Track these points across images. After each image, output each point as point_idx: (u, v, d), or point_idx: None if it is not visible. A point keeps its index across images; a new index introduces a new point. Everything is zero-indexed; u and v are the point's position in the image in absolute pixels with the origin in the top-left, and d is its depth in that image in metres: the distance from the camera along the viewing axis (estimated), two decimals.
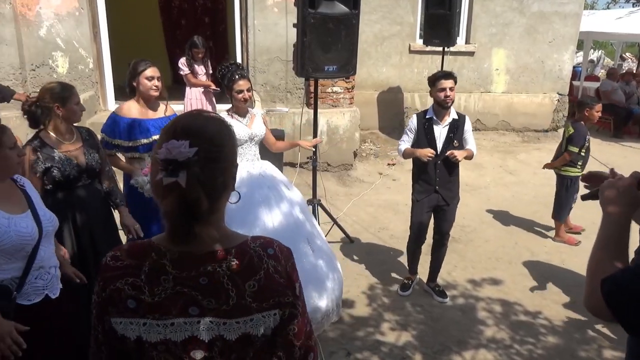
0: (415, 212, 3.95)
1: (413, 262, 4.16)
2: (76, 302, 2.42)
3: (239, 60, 7.15)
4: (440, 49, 7.43)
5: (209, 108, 6.09)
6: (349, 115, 7.00)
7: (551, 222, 5.25)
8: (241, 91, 3.41)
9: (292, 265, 1.22)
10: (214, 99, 6.20)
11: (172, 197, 1.06)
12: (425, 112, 3.87)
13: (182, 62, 6.00)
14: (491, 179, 7.02)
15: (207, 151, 1.09)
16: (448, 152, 3.69)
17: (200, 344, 1.14)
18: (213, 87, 6.05)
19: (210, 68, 6.23)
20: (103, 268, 1.17)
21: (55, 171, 2.76)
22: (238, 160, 3.45)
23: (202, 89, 6.05)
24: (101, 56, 6.70)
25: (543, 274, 4.48)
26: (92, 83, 6.56)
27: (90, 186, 2.94)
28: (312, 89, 5.85)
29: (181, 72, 6.03)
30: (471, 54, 8.62)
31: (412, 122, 3.87)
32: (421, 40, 8.02)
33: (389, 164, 7.41)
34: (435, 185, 3.83)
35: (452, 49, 7.56)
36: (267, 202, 3.41)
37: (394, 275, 4.39)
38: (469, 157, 3.79)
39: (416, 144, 3.84)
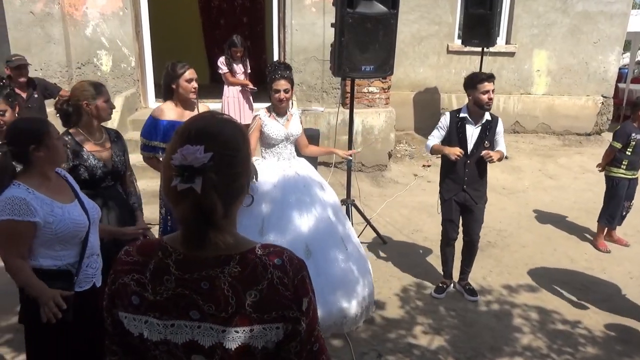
0: (444, 210, 3.97)
1: (446, 264, 4.13)
2: None
3: (275, 59, 7.22)
4: (480, 49, 7.30)
5: (246, 107, 6.16)
6: (384, 115, 6.96)
7: (593, 228, 5.09)
8: (278, 91, 3.41)
9: (302, 279, 1.14)
10: (251, 98, 6.27)
11: (187, 204, 1.04)
12: (458, 110, 3.84)
13: (221, 61, 6.08)
14: (530, 183, 6.84)
15: (222, 156, 1.06)
16: (484, 153, 3.68)
17: (201, 349, 1.10)
18: (250, 86, 6.12)
19: (249, 67, 6.30)
20: (116, 261, 1.17)
21: (82, 169, 2.78)
22: (274, 160, 3.43)
23: (240, 88, 6.12)
24: (143, 55, 6.88)
25: (583, 282, 4.34)
26: (133, 81, 6.74)
27: (113, 188, 2.96)
28: (348, 88, 5.85)
29: (220, 71, 6.12)
30: (511, 54, 8.43)
31: (445, 119, 3.85)
32: (460, 41, 7.90)
33: (424, 166, 7.33)
34: (463, 185, 3.81)
35: (491, 49, 7.43)
36: (300, 206, 3.40)
37: (427, 278, 4.34)
38: (500, 157, 3.78)
39: (447, 141, 3.83)
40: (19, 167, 2.18)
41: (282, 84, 3.40)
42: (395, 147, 7.52)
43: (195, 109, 3.46)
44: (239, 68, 6.13)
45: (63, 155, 2.29)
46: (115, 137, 3.01)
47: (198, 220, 1.05)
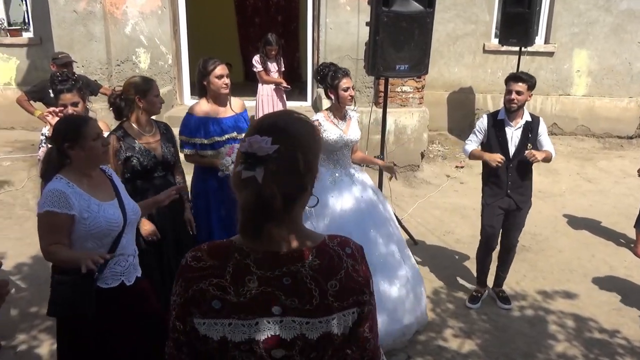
0: (485, 216, 3.83)
1: (482, 272, 3.99)
2: (152, 293, 2.53)
3: (309, 58, 7.25)
4: (517, 48, 7.14)
5: (280, 105, 6.20)
6: (417, 115, 6.89)
7: (633, 235, 4.91)
8: (346, 89, 3.29)
9: (366, 263, 1.23)
10: (284, 96, 6.31)
11: (248, 192, 1.07)
12: (497, 112, 3.75)
13: (255, 59, 6.13)
14: (567, 187, 6.65)
15: (288, 151, 1.08)
16: (527, 152, 3.55)
17: (282, 342, 1.13)
18: (284, 84, 6.16)
19: (283, 65, 6.34)
20: (184, 269, 1.16)
21: (134, 160, 2.94)
22: (331, 167, 3.34)
23: (274, 86, 6.17)
24: (180, 53, 7.02)
25: (622, 289, 4.19)
26: (170, 78, 6.88)
27: (164, 178, 3.10)
28: (381, 87, 5.81)
29: (254, 69, 6.18)
30: (550, 54, 8.20)
31: (482, 122, 3.76)
32: (497, 40, 7.74)
33: (457, 167, 7.22)
34: (506, 189, 3.69)
35: (529, 48, 7.24)
36: (360, 222, 3.26)
37: (458, 281, 4.28)
38: (548, 159, 3.64)
39: (486, 145, 3.73)
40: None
41: (349, 82, 3.32)
42: (428, 148, 7.44)
43: (228, 105, 3.48)
44: (273, 66, 6.16)
45: (101, 157, 2.29)
46: (165, 130, 3.16)
47: (256, 210, 1.07)
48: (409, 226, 5.12)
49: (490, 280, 4.05)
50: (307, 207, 1.19)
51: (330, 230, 3.14)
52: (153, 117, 3.15)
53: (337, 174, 3.39)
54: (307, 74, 7.47)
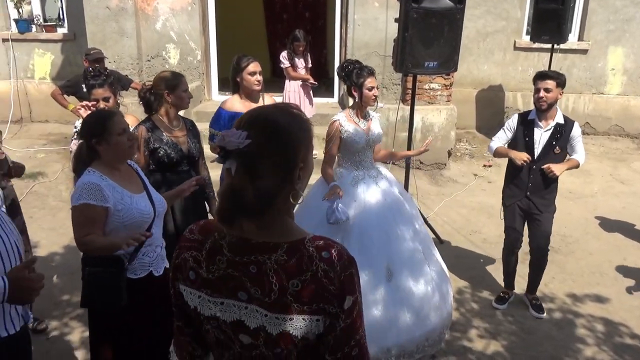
0: (506, 217, 3.80)
1: (508, 274, 3.92)
2: None
3: (336, 54, 7.23)
4: (549, 46, 6.97)
5: (307, 101, 6.21)
6: (445, 112, 6.81)
7: None
8: (372, 88, 3.22)
9: (350, 276, 1.12)
10: (311, 92, 6.31)
11: (226, 182, 1.13)
12: (528, 112, 3.68)
13: (283, 55, 6.16)
14: (599, 188, 6.48)
15: (262, 146, 1.08)
16: (545, 166, 3.48)
17: (247, 329, 1.14)
18: (311, 80, 6.17)
19: (310, 62, 6.34)
20: (181, 238, 1.25)
21: (161, 152, 3.01)
22: (353, 169, 3.26)
23: (301, 82, 6.18)
24: (208, 49, 7.09)
25: None
26: (199, 74, 6.96)
27: (188, 172, 3.15)
28: (408, 85, 5.76)
29: (282, 65, 6.20)
30: (584, 52, 7.99)
31: (512, 121, 3.71)
32: (528, 37, 7.58)
33: (485, 165, 7.11)
34: (526, 191, 3.63)
35: (562, 46, 7.06)
36: (382, 223, 3.16)
37: (484, 281, 4.22)
38: (573, 167, 3.58)
39: (512, 145, 3.67)
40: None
41: (374, 81, 3.25)
42: (455, 146, 7.35)
43: (260, 102, 3.52)
44: (300, 62, 6.17)
45: (127, 151, 2.32)
46: (191, 126, 3.23)
47: (228, 201, 1.11)
48: (435, 225, 5.08)
49: (522, 284, 3.96)
50: (292, 202, 1.16)
51: (354, 228, 3.14)
52: (180, 113, 3.20)
53: (359, 176, 3.32)
54: (334, 70, 7.43)
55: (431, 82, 6.71)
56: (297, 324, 1.11)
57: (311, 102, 6.24)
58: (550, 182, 3.60)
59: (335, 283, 1.10)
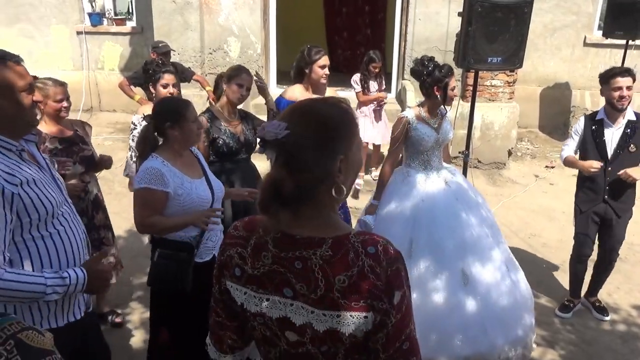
0: (578, 223, 3.60)
1: (575, 282, 3.73)
2: None
3: (395, 49, 7.14)
4: (623, 42, 6.57)
5: (380, 125, 5.77)
6: (507, 110, 6.58)
7: None
8: (454, 87, 3.11)
9: (396, 271, 1.10)
10: (384, 114, 5.82)
11: (268, 173, 1.13)
12: (595, 113, 3.50)
13: (355, 79, 5.69)
14: None
15: (300, 136, 1.08)
16: (621, 173, 3.29)
17: (293, 326, 1.13)
18: (383, 98, 5.69)
19: (384, 84, 5.83)
20: (226, 235, 1.25)
21: (220, 142, 3.11)
22: (421, 169, 3.03)
23: (373, 106, 5.67)
24: (268, 42, 7.19)
25: None
26: (258, 67, 7.07)
27: (246, 160, 3.27)
28: (469, 81, 5.60)
29: (353, 90, 5.74)
30: None
31: (579, 124, 3.54)
32: (600, 32, 7.18)
33: (547, 167, 6.83)
34: (603, 195, 3.43)
35: (637, 42, 6.64)
36: (453, 224, 3.02)
37: (542, 286, 4.05)
38: None
39: (582, 148, 3.49)
40: (161, 141, 2.40)
41: (454, 80, 3.15)
42: (516, 145, 7.09)
43: (325, 94, 3.54)
44: (373, 85, 5.68)
45: (196, 138, 2.44)
46: (244, 114, 3.34)
47: (268, 190, 1.10)
48: None
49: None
50: (335, 196, 1.12)
51: (420, 214, 3.03)
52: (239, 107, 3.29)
53: (426, 176, 3.19)
54: (392, 65, 7.36)
55: (493, 79, 6.50)
56: (345, 320, 1.09)
57: (385, 124, 5.74)
58: (629, 184, 3.40)
59: (382, 279, 1.08)
